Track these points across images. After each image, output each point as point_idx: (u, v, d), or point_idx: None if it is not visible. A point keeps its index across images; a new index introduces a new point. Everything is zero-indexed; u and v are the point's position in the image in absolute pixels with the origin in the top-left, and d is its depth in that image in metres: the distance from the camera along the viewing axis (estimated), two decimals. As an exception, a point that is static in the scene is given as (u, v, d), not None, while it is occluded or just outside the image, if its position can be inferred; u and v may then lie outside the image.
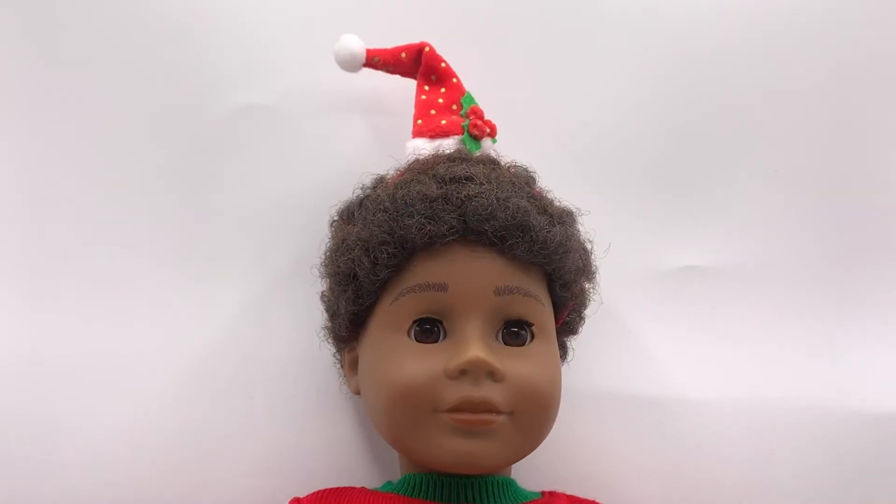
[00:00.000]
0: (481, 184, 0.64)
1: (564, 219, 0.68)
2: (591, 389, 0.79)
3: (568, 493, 0.73)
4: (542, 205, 0.67)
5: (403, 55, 0.75)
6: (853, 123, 0.85)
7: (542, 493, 0.71)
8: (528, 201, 0.65)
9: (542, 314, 0.66)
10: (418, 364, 0.63)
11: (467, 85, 0.75)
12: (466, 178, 0.65)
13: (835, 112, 0.85)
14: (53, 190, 0.78)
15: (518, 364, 0.64)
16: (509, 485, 0.68)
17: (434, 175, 0.66)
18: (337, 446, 0.76)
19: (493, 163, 0.70)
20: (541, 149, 0.78)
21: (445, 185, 0.65)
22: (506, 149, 0.73)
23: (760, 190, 0.84)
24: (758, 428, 0.79)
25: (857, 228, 0.84)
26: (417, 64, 0.75)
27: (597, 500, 0.72)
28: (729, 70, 0.84)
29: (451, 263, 0.64)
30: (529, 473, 0.73)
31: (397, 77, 0.77)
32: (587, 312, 0.74)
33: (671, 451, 0.79)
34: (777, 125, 0.84)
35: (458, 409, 0.62)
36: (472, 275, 0.64)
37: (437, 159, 0.68)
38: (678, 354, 0.81)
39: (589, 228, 0.72)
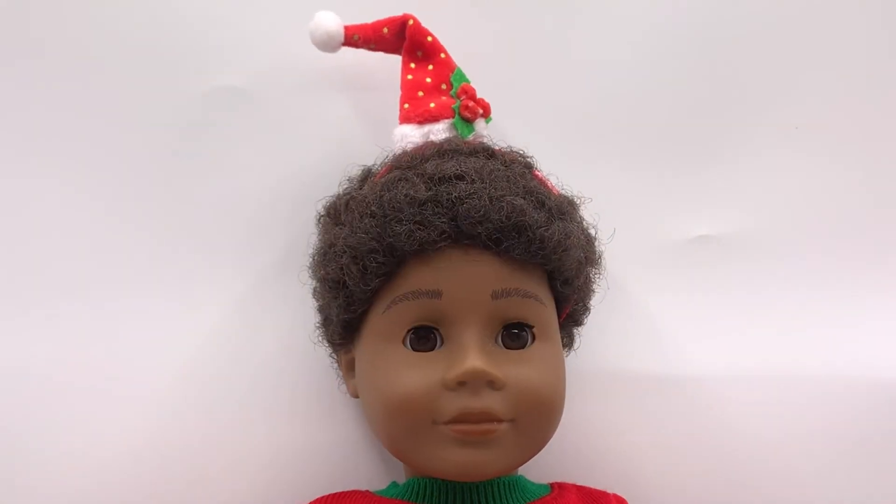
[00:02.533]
0: (473, 182, 0.60)
1: (564, 210, 0.64)
2: (601, 371, 0.76)
3: (578, 482, 0.71)
4: (540, 198, 0.62)
5: (385, 30, 0.69)
6: (876, 77, 0.79)
7: (551, 485, 0.69)
8: (525, 197, 0.61)
9: (543, 313, 0.63)
10: (415, 375, 0.60)
11: (456, 58, 0.70)
12: (457, 177, 0.61)
13: (856, 66, 0.79)
14: (25, 189, 0.74)
15: (519, 369, 0.61)
16: (516, 483, 0.66)
17: (422, 174, 0.62)
18: (339, 447, 0.74)
19: (486, 152, 0.65)
20: (538, 124, 0.75)
21: (435, 185, 0.61)
22: (501, 129, 0.69)
23: (775, 152, 0.78)
24: (776, 403, 0.76)
25: (878, 192, 0.79)
26: (401, 39, 0.69)
27: (607, 490, 0.70)
28: (739, 28, 0.78)
29: (444, 269, 0.60)
30: (538, 462, 0.69)
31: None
32: (593, 301, 0.70)
33: (686, 432, 0.76)
34: (793, 82, 0.79)
35: (458, 420, 0.59)
36: (467, 280, 0.60)
37: (425, 152, 0.64)
38: (691, 331, 0.77)
39: (593, 206, 0.67)
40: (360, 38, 0.70)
